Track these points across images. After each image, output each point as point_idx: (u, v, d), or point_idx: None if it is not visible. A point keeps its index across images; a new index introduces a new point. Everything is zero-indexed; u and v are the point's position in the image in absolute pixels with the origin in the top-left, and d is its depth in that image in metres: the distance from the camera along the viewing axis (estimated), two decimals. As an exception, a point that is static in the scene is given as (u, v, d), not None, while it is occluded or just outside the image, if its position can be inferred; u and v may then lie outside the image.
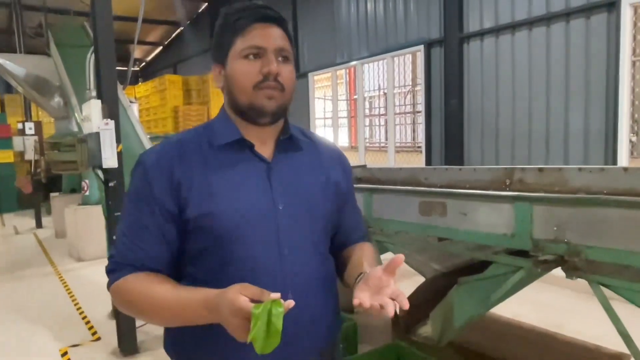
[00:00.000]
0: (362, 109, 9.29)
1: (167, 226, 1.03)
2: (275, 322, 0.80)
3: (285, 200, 1.06)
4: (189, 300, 0.93)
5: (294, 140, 1.13)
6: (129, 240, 1.04)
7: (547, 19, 5.73)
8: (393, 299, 0.89)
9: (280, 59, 1.05)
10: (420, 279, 2.79)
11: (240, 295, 0.84)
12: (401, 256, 0.90)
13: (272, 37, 1.04)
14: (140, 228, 1.03)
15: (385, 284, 0.91)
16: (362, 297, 0.90)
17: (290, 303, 0.83)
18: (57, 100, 7.39)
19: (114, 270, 1.04)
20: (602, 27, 5.26)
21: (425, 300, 2.54)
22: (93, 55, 3.92)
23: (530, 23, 5.91)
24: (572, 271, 1.68)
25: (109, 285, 1.05)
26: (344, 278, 1.18)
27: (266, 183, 1.06)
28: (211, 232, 1.01)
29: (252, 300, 0.84)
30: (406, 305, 0.88)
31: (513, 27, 6.11)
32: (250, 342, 0.81)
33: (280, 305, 0.82)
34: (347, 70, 10.63)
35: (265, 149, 1.10)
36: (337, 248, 1.25)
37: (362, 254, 1.17)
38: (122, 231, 1.06)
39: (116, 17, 3.67)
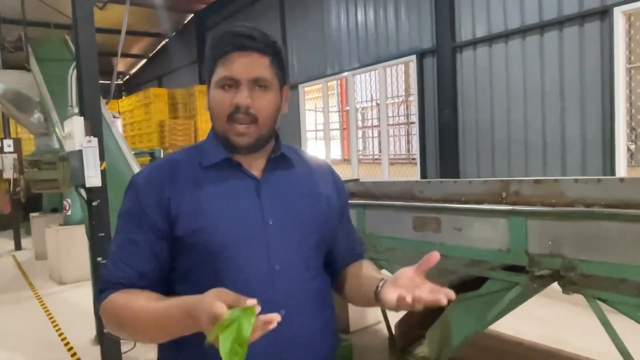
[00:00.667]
0: (354, 121, 9.36)
1: (158, 244, 1.07)
2: (244, 329, 0.79)
3: (275, 216, 1.10)
4: (172, 309, 0.94)
5: (286, 159, 1.17)
6: (119, 258, 1.08)
7: (540, 27, 5.85)
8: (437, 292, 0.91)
9: (257, 87, 1.08)
10: (416, 297, 2.80)
11: (216, 301, 0.84)
12: (436, 254, 0.93)
13: (247, 67, 1.07)
14: (130, 246, 1.08)
15: (420, 282, 0.94)
16: (400, 294, 0.92)
17: (277, 317, 0.83)
18: (37, 116, 7.37)
19: (104, 290, 1.08)
20: (596, 35, 5.38)
21: (421, 319, 2.55)
22: (75, 70, 3.95)
23: (524, 32, 6.03)
24: (569, 286, 1.71)
25: (99, 305, 1.08)
26: (352, 294, 1.21)
27: (255, 199, 1.10)
28: (201, 248, 1.05)
29: (228, 307, 0.84)
30: (453, 295, 0.91)
31: (506, 35, 6.22)
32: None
33: (253, 313, 0.81)
34: (339, 82, 10.73)
35: (256, 167, 1.14)
36: (335, 267, 1.27)
37: (369, 269, 1.20)
38: (113, 250, 1.11)
39: (99, 29, 3.71)
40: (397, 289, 0.96)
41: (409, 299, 0.91)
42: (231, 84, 1.07)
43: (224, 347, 0.79)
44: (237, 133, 1.08)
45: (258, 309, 0.82)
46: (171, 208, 1.06)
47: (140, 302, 1.01)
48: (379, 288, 1.02)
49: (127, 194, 1.12)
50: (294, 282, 1.09)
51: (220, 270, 1.05)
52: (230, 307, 0.83)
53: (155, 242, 1.07)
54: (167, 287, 1.11)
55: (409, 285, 0.94)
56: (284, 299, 1.07)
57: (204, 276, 1.06)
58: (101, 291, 1.09)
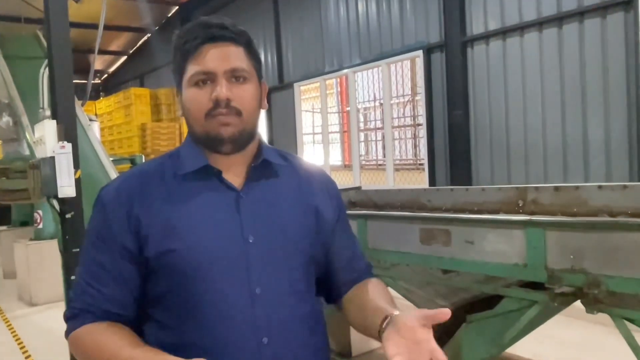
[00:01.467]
0: (355, 123, 9.39)
1: (127, 267, 1.06)
2: None
3: (256, 233, 1.08)
4: None
5: (269, 166, 1.15)
6: (86, 282, 1.07)
7: (559, 19, 5.88)
8: None
9: (234, 80, 1.07)
10: (424, 317, 2.79)
11: None
12: (447, 311, 0.91)
13: (222, 58, 1.06)
14: (98, 269, 1.07)
15: (423, 338, 0.91)
16: (400, 354, 0.90)
17: None
18: (5, 119, 7.36)
19: (72, 318, 1.08)
20: (620, 27, 5.41)
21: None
22: (47, 68, 3.96)
23: (541, 24, 6.06)
24: (593, 304, 1.71)
25: (66, 334, 1.08)
26: (357, 324, 1.17)
27: (235, 214, 1.08)
28: (174, 271, 1.04)
29: None
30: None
31: (522, 28, 6.26)
32: None
33: None
34: (338, 80, 10.77)
35: (236, 177, 1.12)
36: (336, 285, 1.25)
37: (375, 293, 1.16)
38: (80, 273, 1.10)
39: (74, 24, 3.73)
40: (399, 340, 0.93)
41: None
42: (206, 79, 1.06)
43: None
44: (220, 123, 1.06)
45: None
46: (141, 227, 1.04)
47: (113, 347, 1.00)
48: (383, 327, 1.00)
49: (94, 211, 1.11)
50: (277, 306, 1.08)
51: (195, 294, 1.04)
52: None
53: (124, 265, 1.06)
54: (140, 310, 1.10)
55: (412, 338, 0.91)
56: (266, 325, 1.06)
57: (178, 301, 1.05)
58: (68, 318, 1.08)
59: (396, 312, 1.01)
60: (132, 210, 1.06)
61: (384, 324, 1.00)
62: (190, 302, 1.04)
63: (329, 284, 1.25)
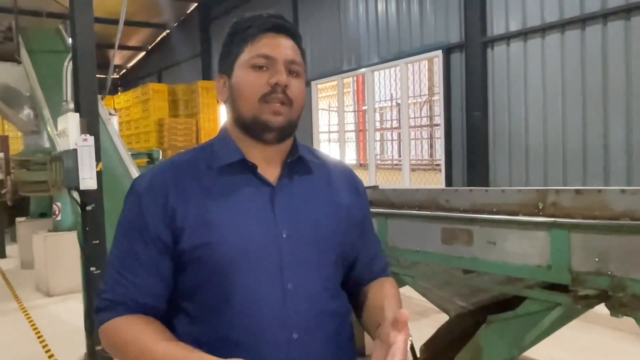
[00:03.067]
0: (372, 122, 9.38)
1: (161, 258, 1.06)
2: None
3: (290, 228, 1.08)
4: None
5: (304, 162, 1.16)
6: (119, 273, 1.07)
7: (582, 21, 5.82)
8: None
9: (291, 72, 1.09)
10: (443, 318, 2.78)
11: None
12: (405, 312, 0.95)
13: (283, 47, 1.09)
14: (132, 260, 1.07)
15: (393, 340, 0.94)
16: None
17: None
18: (26, 112, 7.49)
19: (104, 309, 1.07)
20: (644, 30, 5.34)
21: (449, 342, 2.53)
22: (71, 63, 4.00)
23: (563, 25, 6.00)
24: (618, 308, 1.69)
25: (97, 326, 1.08)
26: (362, 320, 1.20)
27: (269, 209, 1.08)
28: (207, 264, 1.04)
29: None
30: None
31: (543, 30, 6.21)
32: None
33: None
34: (355, 78, 10.75)
35: (271, 172, 1.12)
36: (355, 283, 1.26)
37: (383, 293, 1.18)
38: (113, 264, 1.09)
39: (95, 19, 3.74)
40: (382, 349, 0.96)
41: None
42: (265, 64, 1.07)
43: None
44: (274, 111, 1.07)
45: None
46: (176, 221, 1.04)
47: (147, 341, 1.01)
48: (376, 335, 1.04)
49: (127, 201, 1.11)
50: (308, 303, 1.08)
51: (227, 288, 1.04)
52: None
53: (158, 257, 1.06)
54: (172, 303, 1.11)
55: (384, 344, 0.96)
56: (297, 321, 1.06)
57: (210, 294, 1.05)
58: (99, 309, 1.08)
59: (389, 316, 1.03)
60: (168, 202, 1.05)
61: (378, 331, 1.04)
62: (222, 295, 1.04)
63: (349, 283, 1.25)
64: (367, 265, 1.27)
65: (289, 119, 1.09)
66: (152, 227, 1.05)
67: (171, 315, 1.10)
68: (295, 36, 1.13)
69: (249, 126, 1.10)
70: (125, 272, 1.06)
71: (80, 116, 3.52)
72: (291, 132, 1.13)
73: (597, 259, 1.73)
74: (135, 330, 1.03)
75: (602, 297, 1.73)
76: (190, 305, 1.08)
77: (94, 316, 1.10)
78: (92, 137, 3.50)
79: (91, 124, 3.54)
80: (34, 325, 5.38)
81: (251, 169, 1.10)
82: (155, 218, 1.06)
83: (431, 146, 11.67)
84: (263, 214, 1.08)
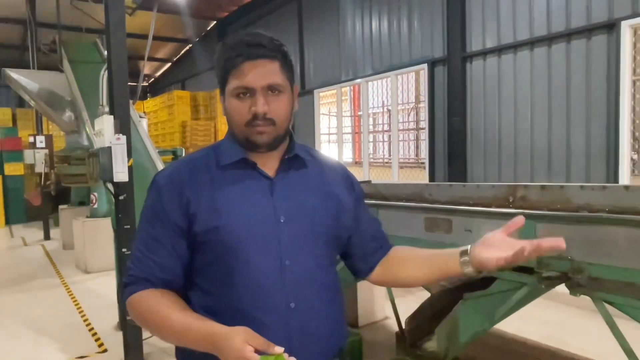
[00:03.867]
0: (366, 125, 9.35)
1: (179, 241, 1.09)
2: None
3: (286, 214, 1.10)
4: (194, 331, 0.99)
5: (298, 159, 1.17)
6: (143, 254, 1.10)
7: (549, 39, 5.79)
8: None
9: (270, 92, 1.08)
10: (426, 295, 2.79)
11: (247, 345, 0.89)
12: (522, 218, 1.02)
13: (260, 75, 1.07)
14: (154, 242, 1.10)
15: (514, 242, 1.00)
16: (502, 253, 1.00)
17: None
18: (68, 114, 7.48)
19: (130, 284, 1.10)
20: (603, 48, 5.32)
21: (430, 316, 2.54)
22: (106, 72, 3.99)
23: (532, 43, 5.97)
24: (576, 288, 1.69)
25: (125, 298, 1.11)
26: (421, 274, 1.19)
27: (269, 198, 1.11)
28: (217, 245, 1.07)
29: (257, 351, 0.89)
30: (562, 245, 0.98)
31: (515, 47, 6.18)
32: None
33: (284, 359, 0.87)
34: (352, 88, 10.72)
35: (270, 167, 1.15)
36: (366, 260, 1.27)
37: (421, 249, 1.23)
38: (137, 247, 1.13)
39: (127, 34, 3.73)
40: (492, 249, 1.02)
41: (522, 253, 0.96)
42: (246, 92, 1.08)
43: None
44: (258, 132, 1.08)
45: (286, 356, 0.89)
46: (190, 207, 1.07)
47: (166, 311, 1.03)
48: (467, 254, 1.07)
49: (150, 193, 1.14)
50: (303, 277, 1.10)
51: (234, 265, 1.06)
52: (257, 351, 0.89)
53: (176, 240, 1.09)
54: (188, 279, 1.13)
55: (504, 245, 1.01)
56: (294, 293, 1.08)
57: (220, 270, 1.08)
58: (126, 284, 1.11)
59: (466, 246, 1.09)
60: (183, 192, 1.08)
61: (466, 252, 1.08)
62: (230, 271, 1.07)
63: (357, 259, 1.27)
64: (371, 239, 1.27)
65: (274, 136, 1.10)
66: (171, 214, 1.08)
67: (188, 289, 1.13)
68: (275, 56, 1.09)
69: (242, 143, 1.12)
70: (149, 253, 1.09)
71: (114, 118, 3.51)
72: (280, 143, 1.14)
73: (559, 246, 1.73)
74: (156, 302, 1.06)
75: (563, 278, 1.73)
76: (203, 281, 1.11)
77: (122, 290, 1.12)
78: (124, 137, 3.49)
79: (123, 125, 3.52)
80: (73, 298, 5.40)
81: (251, 166, 1.13)
82: (173, 207, 1.08)
83: (417, 147, 11.65)
84: (263, 203, 1.10)
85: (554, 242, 0.98)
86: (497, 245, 1.02)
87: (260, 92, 1.07)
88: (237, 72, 1.07)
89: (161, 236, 1.09)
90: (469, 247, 1.08)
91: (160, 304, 1.05)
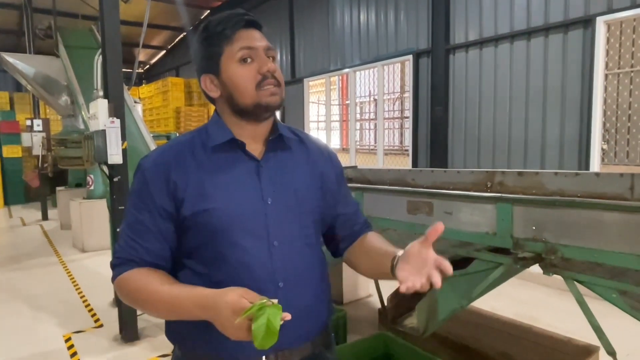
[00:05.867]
0: (353, 114, 9.30)
1: (165, 224, 1.05)
2: (273, 321, 0.82)
3: (273, 196, 1.07)
4: (183, 299, 0.95)
5: (283, 139, 1.13)
6: (130, 237, 1.06)
7: (528, 33, 5.78)
8: (438, 267, 0.90)
9: (269, 58, 1.06)
10: (406, 274, 2.79)
11: (243, 298, 0.86)
12: (441, 225, 0.90)
13: (258, 38, 1.06)
14: (140, 227, 1.05)
15: (427, 256, 0.92)
16: (410, 280, 0.91)
17: (287, 315, 0.85)
18: (64, 98, 7.30)
19: (117, 265, 1.06)
20: (578, 42, 5.32)
21: (411, 294, 2.54)
22: (101, 57, 3.89)
23: (512, 37, 5.95)
24: (549, 268, 1.70)
25: (113, 279, 1.07)
26: (367, 270, 1.17)
27: (256, 180, 1.07)
28: (205, 228, 1.03)
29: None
30: (449, 270, 0.90)
31: (496, 40, 6.15)
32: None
33: (279, 307, 0.84)
34: (340, 77, 10.62)
35: (256, 148, 1.10)
36: (341, 241, 1.24)
37: (380, 242, 1.15)
38: (124, 229, 1.08)
39: (122, 21, 3.63)
40: (409, 267, 0.93)
41: (417, 287, 0.90)
42: (250, 55, 1.04)
43: (257, 336, 0.82)
44: (270, 93, 1.04)
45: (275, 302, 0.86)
46: (177, 191, 1.03)
47: (154, 285, 0.99)
48: (395, 264, 0.99)
49: (135, 178, 1.08)
50: (291, 256, 1.07)
51: (223, 246, 1.03)
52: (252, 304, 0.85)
53: (162, 223, 1.04)
54: (176, 260, 1.09)
55: (419, 261, 0.92)
56: (282, 272, 1.05)
57: (209, 252, 1.04)
58: (114, 266, 1.07)
59: (400, 252, 1.00)
60: (170, 176, 1.03)
61: (394, 262, 1.00)
62: (218, 253, 1.03)
63: (335, 238, 1.24)
64: (350, 222, 1.24)
65: (282, 97, 1.07)
66: (157, 198, 1.04)
67: (176, 271, 1.09)
68: (261, 27, 1.09)
69: (251, 112, 1.06)
70: (136, 237, 1.05)
71: (109, 102, 3.43)
72: (282, 106, 1.11)
73: (534, 228, 1.74)
74: (144, 277, 1.02)
75: (537, 259, 1.74)
76: (192, 262, 1.07)
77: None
78: (119, 120, 3.41)
79: (117, 109, 3.45)
80: (71, 275, 5.35)
81: (240, 146, 1.08)
82: (159, 191, 1.04)
83: (401, 135, 11.65)
84: (251, 185, 1.06)
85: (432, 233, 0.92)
86: (411, 263, 0.93)
87: (262, 53, 1.04)
88: (236, 38, 1.04)
89: (148, 220, 1.04)
90: (398, 254, 1.00)
91: (148, 279, 1.01)
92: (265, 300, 0.85)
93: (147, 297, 1.00)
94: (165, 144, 1.13)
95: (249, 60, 1.04)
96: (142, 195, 1.05)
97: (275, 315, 0.83)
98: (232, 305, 0.86)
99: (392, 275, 1.00)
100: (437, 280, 0.89)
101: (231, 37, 1.04)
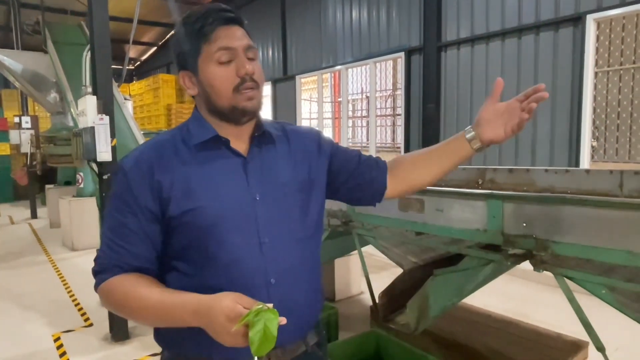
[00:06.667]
0: (345, 111, 9.29)
1: (150, 226, 1.01)
2: (270, 327, 0.80)
3: (261, 192, 1.04)
4: (173, 306, 0.92)
5: (268, 135, 1.11)
6: (113, 242, 1.01)
7: (519, 31, 5.80)
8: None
9: (249, 57, 1.03)
10: (398, 271, 2.80)
11: (237, 304, 0.84)
12: (501, 80, 1.09)
13: (238, 37, 1.01)
14: (124, 230, 1.01)
15: (504, 108, 1.11)
16: (506, 129, 1.11)
17: (283, 320, 0.83)
18: (53, 95, 7.22)
19: (100, 272, 1.02)
20: (569, 40, 5.35)
21: (403, 291, 2.55)
22: (89, 53, 3.84)
23: (503, 34, 5.97)
24: (540, 264, 1.70)
25: (96, 287, 1.02)
26: (435, 169, 1.19)
27: (243, 177, 1.04)
28: (193, 227, 1.00)
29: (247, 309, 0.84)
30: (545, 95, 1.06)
31: (487, 37, 6.17)
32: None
33: (276, 313, 0.82)
34: (332, 74, 10.60)
35: (240, 145, 1.08)
36: (381, 181, 1.21)
37: (416, 152, 1.22)
38: (106, 234, 1.03)
39: (113, 17, 3.60)
40: (492, 124, 1.11)
41: (511, 127, 1.09)
42: (228, 56, 1.00)
43: (254, 342, 0.80)
44: (248, 97, 1.01)
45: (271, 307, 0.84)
46: (162, 191, 0.99)
47: (141, 292, 0.95)
48: (471, 132, 1.13)
49: (116, 179, 1.04)
50: (282, 252, 1.05)
51: (212, 246, 1.00)
52: (247, 309, 0.84)
53: (147, 225, 1.00)
54: (164, 262, 1.06)
55: (498, 118, 1.11)
56: (273, 269, 1.03)
57: (198, 252, 1.01)
58: (97, 272, 1.02)
59: (467, 128, 1.15)
60: (153, 176, 1.00)
61: (469, 133, 1.14)
62: (208, 252, 1.00)
63: (367, 190, 1.21)
64: (366, 164, 1.22)
65: (259, 100, 1.04)
66: (140, 199, 1.00)
67: (164, 273, 1.06)
68: (243, 24, 1.05)
69: (227, 114, 1.03)
70: (119, 241, 1.01)
71: (97, 99, 3.39)
72: (260, 110, 1.07)
73: (524, 225, 1.74)
74: (130, 284, 0.98)
75: (527, 255, 1.74)
76: (180, 263, 1.04)
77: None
78: (107, 117, 3.37)
79: (106, 106, 3.40)
80: (60, 274, 5.29)
81: (224, 143, 1.05)
82: (142, 191, 1.00)
83: (393, 132, 11.67)
84: (238, 181, 1.04)
85: (537, 91, 1.07)
86: (493, 119, 1.10)
87: (242, 54, 1.01)
88: (214, 37, 0.99)
89: (131, 223, 1.00)
90: (468, 128, 1.14)
91: (135, 286, 0.97)
92: (261, 306, 0.82)
93: (134, 305, 0.96)
94: (145, 143, 1.09)
95: (227, 61, 1.01)
96: (125, 197, 1.01)
97: (272, 320, 0.81)
98: (226, 312, 0.83)
99: (470, 147, 1.14)
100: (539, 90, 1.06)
101: (209, 35, 1.00)
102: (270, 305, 0.84)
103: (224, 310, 0.84)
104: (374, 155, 1.28)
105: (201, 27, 1.00)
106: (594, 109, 5.39)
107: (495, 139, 1.12)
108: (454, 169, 1.18)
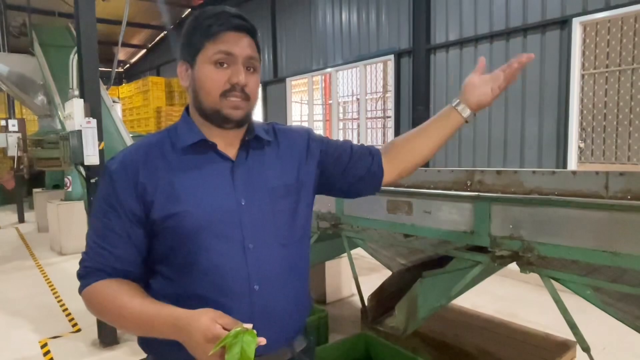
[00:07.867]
0: (336, 113, 9.30)
1: (134, 229, 1.00)
2: (247, 350, 0.79)
3: (247, 197, 1.03)
4: (154, 318, 0.91)
5: (258, 140, 1.10)
6: (97, 245, 1.00)
7: (507, 34, 5.85)
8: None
9: (248, 68, 1.02)
10: (387, 273, 2.80)
11: (215, 323, 0.83)
12: (483, 58, 1.18)
13: (242, 45, 1.01)
14: (108, 232, 1.00)
15: (489, 77, 1.17)
16: (490, 93, 1.17)
17: (262, 340, 0.82)
18: (40, 98, 7.14)
19: (85, 276, 1.00)
20: (555, 43, 5.41)
21: (391, 293, 2.55)
22: (76, 55, 3.80)
23: (491, 37, 6.02)
24: (526, 266, 1.71)
25: (80, 290, 1.01)
26: (430, 143, 1.21)
27: (229, 181, 1.03)
28: (177, 232, 0.98)
29: (225, 329, 0.83)
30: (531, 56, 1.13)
31: (476, 40, 6.22)
32: None
33: (254, 334, 0.81)
34: (323, 77, 10.61)
35: (231, 149, 1.07)
36: (376, 169, 1.20)
37: (408, 132, 1.24)
38: (91, 236, 1.02)
39: (101, 19, 3.57)
40: (479, 89, 1.16)
41: (498, 85, 1.15)
42: (226, 60, 1.00)
43: None
44: (233, 106, 1.00)
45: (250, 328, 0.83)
46: (147, 195, 0.98)
47: (123, 300, 0.94)
48: (459, 102, 1.18)
49: (101, 181, 1.03)
50: (266, 258, 1.04)
51: (195, 251, 0.98)
52: (226, 329, 0.82)
53: (131, 228, 0.99)
54: (148, 266, 1.05)
55: (484, 83, 1.16)
56: (257, 275, 1.02)
57: (181, 257, 1.00)
58: (81, 276, 1.01)
59: (453, 99, 1.20)
60: (138, 179, 0.98)
61: (457, 104, 1.18)
62: (191, 257, 0.99)
63: (364, 180, 1.21)
64: (363, 157, 1.21)
65: (246, 112, 1.03)
66: (125, 202, 0.98)
67: (148, 277, 1.05)
68: (254, 34, 1.04)
69: (210, 117, 1.02)
70: (103, 244, 0.99)
71: (84, 102, 3.35)
72: (248, 121, 1.06)
73: (511, 226, 1.75)
74: (112, 290, 0.97)
75: (514, 257, 1.75)
76: (164, 268, 1.03)
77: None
78: (95, 120, 3.34)
79: (94, 109, 3.37)
80: (48, 279, 5.22)
81: (212, 147, 1.04)
82: (127, 194, 0.98)
83: (384, 134, 11.69)
84: (224, 186, 1.02)
85: (524, 57, 1.12)
86: (479, 85, 1.15)
87: (241, 63, 1.00)
88: (219, 39, 0.98)
89: (116, 225, 0.99)
90: (455, 100, 1.18)
91: (117, 293, 0.96)
92: (239, 328, 0.81)
93: (116, 312, 0.95)
94: (132, 145, 1.08)
95: (224, 65, 1.00)
96: (109, 199, 1.00)
97: (250, 343, 0.79)
98: (204, 332, 0.82)
99: (460, 116, 1.18)
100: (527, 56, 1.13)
101: (215, 36, 0.99)
102: (250, 326, 0.82)
103: (201, 329, 0.83)
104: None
105: (210, 25, 1.00)
106: (581, 111, 5.45)
107: (483, 100, 1.16)
108: (446, 140, 1.21)
